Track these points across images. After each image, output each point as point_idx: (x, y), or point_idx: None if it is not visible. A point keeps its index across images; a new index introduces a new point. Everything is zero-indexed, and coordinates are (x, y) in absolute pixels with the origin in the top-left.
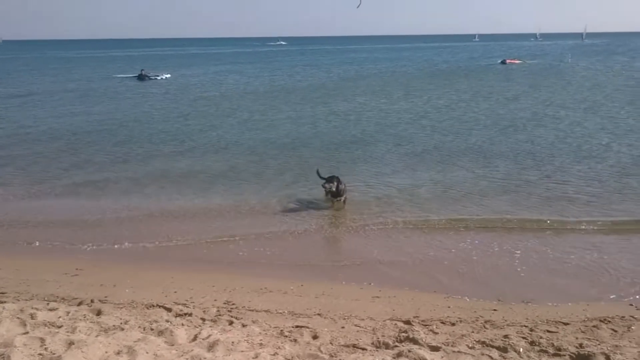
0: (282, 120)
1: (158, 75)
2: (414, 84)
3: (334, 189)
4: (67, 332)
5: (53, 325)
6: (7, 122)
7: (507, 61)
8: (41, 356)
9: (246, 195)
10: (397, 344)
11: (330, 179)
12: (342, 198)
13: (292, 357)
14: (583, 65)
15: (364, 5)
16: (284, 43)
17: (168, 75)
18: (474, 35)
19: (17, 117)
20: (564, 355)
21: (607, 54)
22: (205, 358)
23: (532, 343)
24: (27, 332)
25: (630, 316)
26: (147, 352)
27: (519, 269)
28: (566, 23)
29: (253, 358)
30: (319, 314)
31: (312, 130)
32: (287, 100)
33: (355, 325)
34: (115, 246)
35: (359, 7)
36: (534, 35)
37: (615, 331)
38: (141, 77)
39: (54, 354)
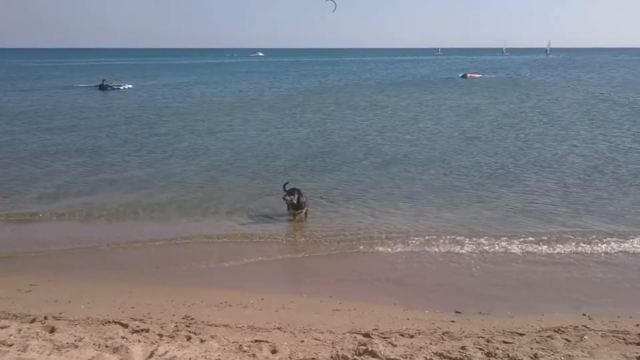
0: (248, 131)
1: (120, 85)
2: (378, 96)
3: (294, 202)
4: (18, 350)
5: (3, 344)
6: None
7: (468, 75)
8: None
9: (208, 208)
10: (356, 357)
11: (291, 192)
12: (303, 211)
13: None
14: (539, 79)
15: (338, 18)
16: (262, 54)
17: (130, 86)
18: (437, 49)
19: None
20: None
21: (563, 68)
22: None
23: (488, 354)
24: None
25: (583, 326)
26: None
27: (476, 281)
28: (533, 38)
29: None
30: (278, 328)
31: (278, 141)
32: (251, 110)
33: (315, 339)
34: (72, 261)
35: (333, 12)
36: (500, 50)
37: (569, 341)
38: (103, 87)
39: None
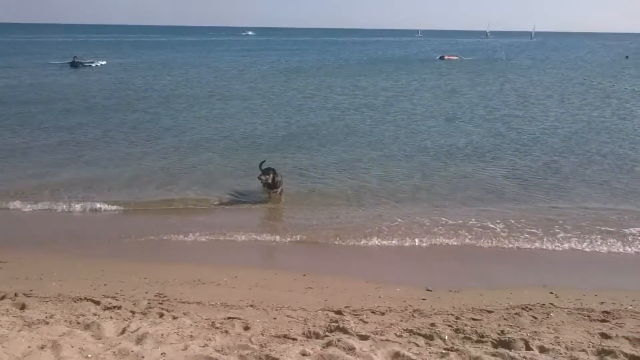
0: (226, 109)
1: (93, 62)
2: (358, 76)
3: (269, 181)
4: None
5: None
6: None
7: (445, 57)
8: None
9: (184, 184)
10: (327, 333)
11: (266, 171)
12: (278, 190)
13: (222, 349)
14: (515, 62)
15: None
16: (251, 33)
17: (103, 62)
18: (417, 31)
19: None
20: (486, 342)
21: (542, 50)
22: (132, 351)
23: (457, 330)
24: None
25: (550, 304)
26: (72, 346)
27: (447, 259)
28: (518, 22)
29: (182, 350)
30: (251, 306)
31: (257, 120)
32: (229, 89)
33: (287, 316)
34: (43, 238)
35: None
36: (484, 33)
37: (535, 318)
38: (74, 64)
39: None
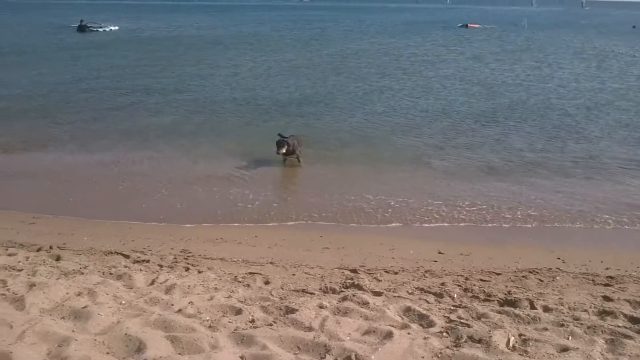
0: (245, 77)
1: (101, 27)
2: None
3: (283, 151)
4: (28, 275)
5: (13, 269)
6: None
7: (468, 25)
8: (4, 296)
9: (202, 151)
10: (343, 289)
11: (280, 144)
12: (294, 156)
13: (244, 300)
14: (540, 33)
15: None
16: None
17: (115, 27)
18: None
19: None
20: (493, 301)
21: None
22: (162, 299)
23: (465, 290)
24: None
25: (557, 268)
26: (107, 294)
27: (458, 223)
28: None
29: (208, 300)
30: (271, 263)
31: (275, 86)
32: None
33: (305, 273)
34: (71, 199)
35: None
36: (529, 1)
37: (542, 281)
38: (81, 29)
39: (16, 294)
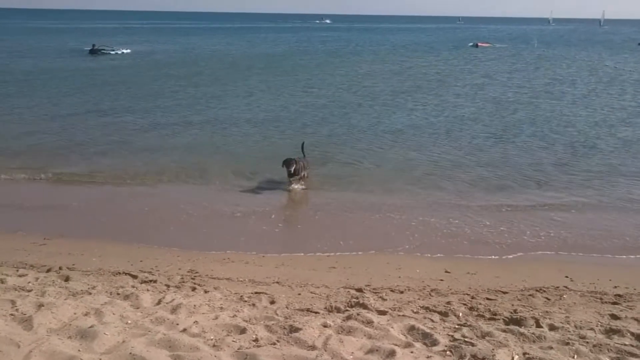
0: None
1: (113, 50)
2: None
3: (291, 170)
4: (37, 295)
5: (23, 290)
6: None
7: (479, 44)
8: (12, 316)
9: (215, 171)
10: (348, 308)
11: (287, 162)
12: (299, 177)
13: (249, 319)
14: (551, 51)
15: None
16: (329, 22)
17: (127, 50)
18: (457, 18)
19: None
20: (499, 319)
21: (585, 41)
22: (168, 319)
23: (471, 309)
24: None
25: (564, 286)
26: (113, 314)
27: (466, 242)
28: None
29: (213, 319)
30: (277, 282)
31: (294, 106)
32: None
33: (311, 292)
34: (84, 219)
35: None
36: (546, 20)
37: (549, 299)
38: (93, 52)
39: (24, 314)
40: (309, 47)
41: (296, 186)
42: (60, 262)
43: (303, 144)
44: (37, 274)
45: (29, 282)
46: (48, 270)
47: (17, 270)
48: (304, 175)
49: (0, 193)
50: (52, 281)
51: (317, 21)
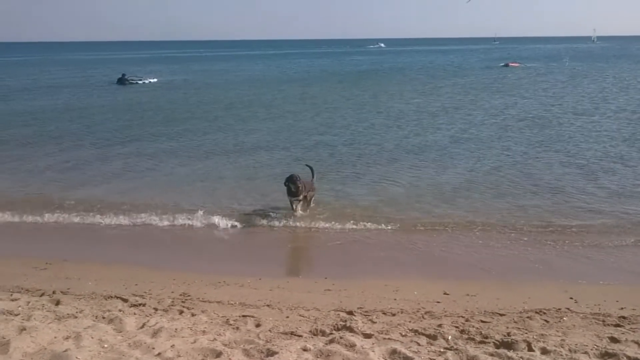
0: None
1: (141, 79)
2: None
3: (293, 189)
4: (22, 319)
5: (10, 314)
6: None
7: (509, 64)
8: None
9: (224, 194)
10: (333, 332)
11: (290, 180)
12: (299, 197)
13: (229, 343)
14: (580, 69)
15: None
16: (383, 45)
17: (154, 80)
18: (493, 39)
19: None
20: (489, 343)
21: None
22: (145, 343)
23: (462, 332)
24: None
25: (567, 308)
26: (92, 337)
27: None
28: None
29: (191, 343)
30: (268, 305)
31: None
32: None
33: (300, 315)
34: (87, 243)
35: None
36: (589, 38)
37: (547, 322)
38: (121, 82)
39: (4, 338)
40: (336, 69)
41: (297, 210)
42: (56, 286)
43: (312, 168)
44: (30, 297)
45: (19, 307)
46: (42, 295)
47: (11, 295)
48: (305, 197)
49: None
50: (42, 305)
51: (371, 46)
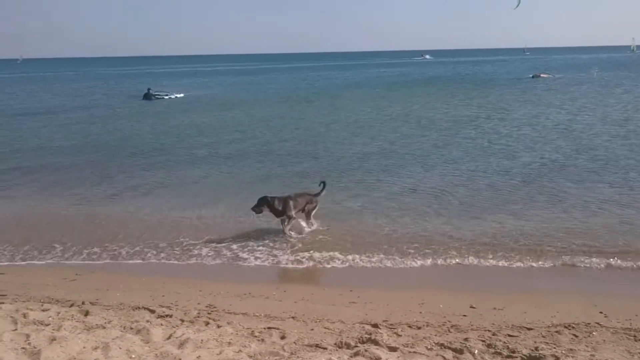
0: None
1: (167, 94)
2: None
3: (261, 209)
4: (53, 329)
5: (41, 324)
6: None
7: (539, 75)
8: (24, 350)
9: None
10: (358, 344)
11: (260, 201)
12: (284, 217)
13: (254, 355)
14: (609, 79)
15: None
16: (429, 57)
17: (180, 95)
18: (523, 49)
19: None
20: (516, 357)
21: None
22: (172, 354)
23: (489, 346)
24: (15, 329)
25: (596, 323)
26: (120, 348)
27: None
28: None
29: (217, 354)
30: (293, 317)
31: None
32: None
33: (325, 328)
34: (118, 254)
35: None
36: (628, 48)
37: (576, 336)
38: (147, 97)
39: (35, 347)
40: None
41: (285, 229)
42: (85, 297)
43: (325, 184)
44: (60, 308)
45: (50, 317)
46: (71, 305)
47: (42, 305)
48: (292, 215)
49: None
50: (72, 315)
51: (417, 58)
